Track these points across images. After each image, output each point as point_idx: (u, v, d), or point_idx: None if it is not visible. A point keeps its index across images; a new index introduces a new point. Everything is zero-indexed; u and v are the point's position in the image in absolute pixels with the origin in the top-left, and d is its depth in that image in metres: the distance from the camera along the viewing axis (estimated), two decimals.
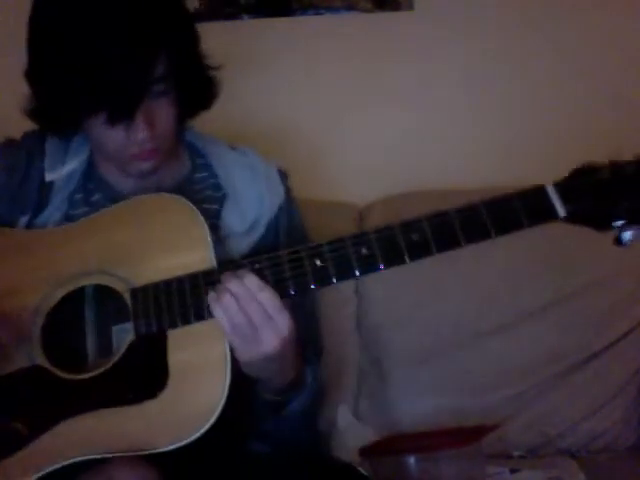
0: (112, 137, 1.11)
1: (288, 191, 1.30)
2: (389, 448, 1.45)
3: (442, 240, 1.02)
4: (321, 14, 1.83)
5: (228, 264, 1.07)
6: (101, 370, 1.08)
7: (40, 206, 1.21)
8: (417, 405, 1.66)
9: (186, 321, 1.06)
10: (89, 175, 1.24)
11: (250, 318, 1.01)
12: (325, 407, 1.62)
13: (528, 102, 1.85)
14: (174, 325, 1.06)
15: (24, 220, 1.20)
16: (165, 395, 1.04)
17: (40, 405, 1.09)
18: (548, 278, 1.66)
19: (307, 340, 1.19)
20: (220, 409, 1.02)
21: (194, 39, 1.16)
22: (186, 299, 1.06)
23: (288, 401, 1.15)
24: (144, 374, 1.07)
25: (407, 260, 1.02)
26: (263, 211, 1.24)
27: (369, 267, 1.02)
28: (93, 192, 1.24)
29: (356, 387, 1.69)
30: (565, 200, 1.00)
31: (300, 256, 1.04)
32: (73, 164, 1.23)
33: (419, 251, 1.02)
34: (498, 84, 1.85)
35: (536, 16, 1.82)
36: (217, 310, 1.02)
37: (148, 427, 1.04)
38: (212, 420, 1.02)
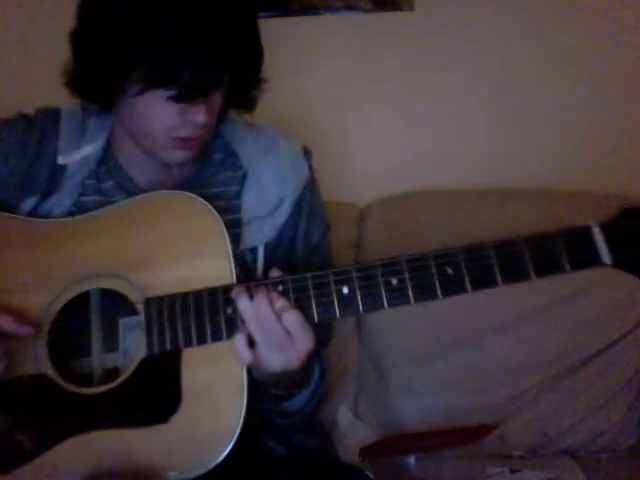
0: (163, 115, 1.05)
1: (312, 170, 1.24)
2: (389, 448, 1.46)
3: (478, 278, 0.96)
4: (321, 14, 1.83)
5: (249, 282, 1.02)
6: (111, 386, 1.03)
7: (49, 189, 1.15)
8: (417, 405, 1.65)
9: (202, 341, 1.01)
10: (103, 160, 1.18)
11: (274, 337, 0.98)
12: (325, 407, 1.62)
13: (528, 101, 1.85)
14: (189, 344, 1.01)
15: (31, 202, 1.14)
16: (177, 420, 1.00)
17: (46, 419, 1.04)
18: (548, 278, 1.66)
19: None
20: (236, 438, 0.98)
21: (260, 38, 1.12)
22: (204, 317, 1.01)
23: (289, 396, 1.12)
24: (155, 394, 1.02)
25: (440, 296, 0.96)
26: (287, 190, 1.18)
27: (399, 300, 0.97)
28: (105, 179, 1.18)
29: (356, 387, 1.69)
30: (611, 244, 0.94)
31: (326, 281, 0.99)
32: (89, 149, 1.17)
33: (453, 287, 0.96)
34: (498, 84, 1.85)
35: (537, 15, 1.82)
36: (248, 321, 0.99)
37: (159, 454, 1.00)
38: (227, 450, 0.98)
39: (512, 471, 1.51)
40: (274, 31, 1.83)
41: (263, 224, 1.15)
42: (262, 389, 1.10)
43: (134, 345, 1.06)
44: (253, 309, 0.98)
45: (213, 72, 1.04)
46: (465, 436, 1.39)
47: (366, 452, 1.42)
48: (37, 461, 1.02)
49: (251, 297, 0.99)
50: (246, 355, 0.99)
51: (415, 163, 1.85)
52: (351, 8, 1.83)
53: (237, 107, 1.18)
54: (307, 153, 1.24)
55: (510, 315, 1.66)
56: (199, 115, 1.05)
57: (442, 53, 1.84)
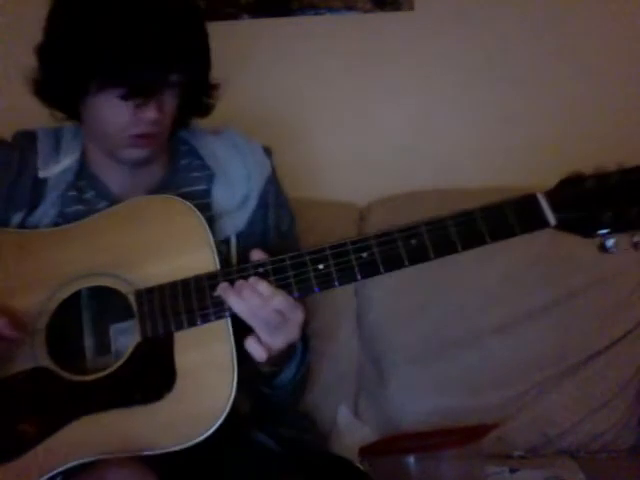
0: (118, 113, 1.14)
1: (274, 168, 1.33)
2: (389, 448, 1.46)
3: (439, 246, 1.06)
4: (321, 14, 1.83)
5: (232, 267, 1.10)
6: (108, 372, 1.09)
7: (34, 203, 1.23)
8: (417, 405, 1.65)
9: (192, 323, 1.08)
10: (81, 173, 1.26)
11: (271, 321, 1.06)
12: (325, 407, 1.62)
13: (528, 102, 1.85)
14: (180, 327, 1.08)
15: (18, 217, 1.22)
16: (172, 396, 1.06)
17: (46, 407, 1.10)
18: (548, 278, 1.66)
19: None
20: (228, 409, 1.04)
21: (208, 45, 1.21)
22: (192, 301, 1.08)
23: (280, 370, 1.20)
24: (151, 375, 1.09)
25: (406, 264, 1.07)
26: (252, 186, 1.28)
27: (370, 271, 1.07)
28: (85, 190, 1.25)
29: (356, 387, 1.69)
30: (555, 209, 1.04)
31: (303, 260, 1.07)
32: (67, 162, 1.26)
33: (418, 256, 1.06)
34: (498, 84, 1.85)
35: (536, 16, 1.82)
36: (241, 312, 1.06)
37: (156, 427, 1.06)
38: (220, 420, 1.04)
39: (512, 470, 1.51)
40: (274, 31, 1.84)
41: (233, 217, 1.25)
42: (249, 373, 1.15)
43: (126, 348, 1.11)
44: (242, 302, 1.06)
45: (157, 72, 1.12)
46: (465, 436, 1.39)
47: (366, 452, 1.42)
48: (41, 446, 1.07)
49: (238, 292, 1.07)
50: (260, 352, 1.07)
51: (415, 163, 1.85)
52: (351, 8, 1.83)
53: (193, 114, 1.28)
54: (267, 152, 1.34)
55: (510, 315, 1.66)
56: (149, 112, 1.13)
57: (442, 53, 1.84)
